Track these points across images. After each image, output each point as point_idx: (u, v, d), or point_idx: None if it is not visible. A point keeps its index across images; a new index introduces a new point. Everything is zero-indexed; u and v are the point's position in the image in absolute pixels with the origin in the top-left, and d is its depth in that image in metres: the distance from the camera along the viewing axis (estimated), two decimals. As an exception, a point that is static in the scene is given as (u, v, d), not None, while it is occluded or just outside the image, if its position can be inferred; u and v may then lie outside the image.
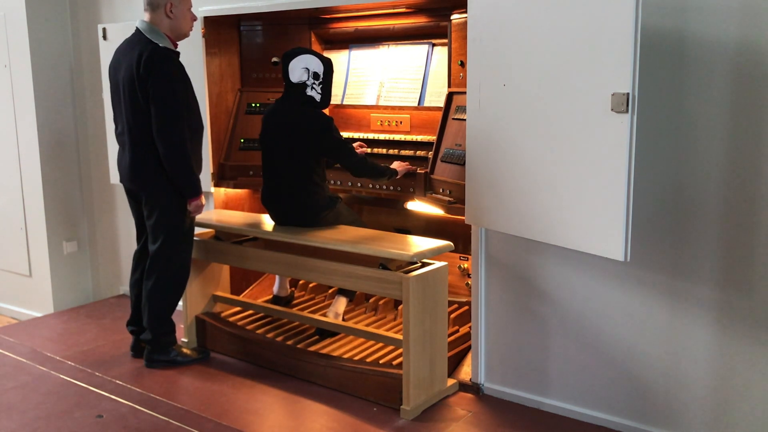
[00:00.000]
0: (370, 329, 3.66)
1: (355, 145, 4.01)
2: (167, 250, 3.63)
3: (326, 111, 3.88)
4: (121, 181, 3.71)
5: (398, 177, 3.76)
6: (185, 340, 4.06)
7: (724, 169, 2.71)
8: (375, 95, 4.18)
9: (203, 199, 3.64)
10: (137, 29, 3.51)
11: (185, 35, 3.59)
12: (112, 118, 3.70)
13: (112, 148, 4.68)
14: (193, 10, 3.61)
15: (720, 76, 2.67)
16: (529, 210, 2.94)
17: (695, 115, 2.74)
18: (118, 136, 3.64)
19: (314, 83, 3.59)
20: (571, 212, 2.76)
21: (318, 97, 3.61)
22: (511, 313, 3.32)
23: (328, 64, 3.62)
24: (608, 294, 3.03)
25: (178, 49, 3.54)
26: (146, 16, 3.50)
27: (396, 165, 3.79)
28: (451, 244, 3.42)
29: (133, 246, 5.24)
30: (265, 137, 3.71)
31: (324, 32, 4.35)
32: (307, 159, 3.60)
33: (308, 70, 3.57)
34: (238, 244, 3.90)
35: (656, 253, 2.89)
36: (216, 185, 4.36)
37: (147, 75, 3.36)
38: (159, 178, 3.52)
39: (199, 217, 4.01)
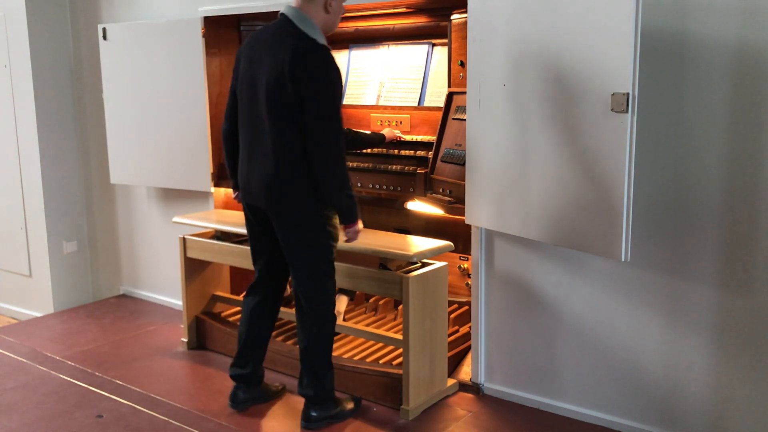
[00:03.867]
0: (370, 329, 3.66)
1: None
2: (319, 294, 3.06)
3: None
4: (246, 198, 3.08)
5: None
6: (185, 339, 4.06)
7: (724, 169, 2.71)
8: (375, 95, 4.18)
9: (360, 224, 3.01)
10: (285, 17, 2.88)
11: (332, 31, 3.02)
12: (226, 117, 3.12)
13: (113, 147, 4.69)
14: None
15: (720, 76, 2.67)
16: (529, 210, 2.94)
17: (695, 115, 2.74)
18: (248, 143, 3.00)
19: None
20: (571, 212, 2.76)
21: None
22: (511, 313, 3.32)
23: None
24: (608, 294, 3.03)
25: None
26: (296, 2, 2.89)
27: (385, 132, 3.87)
28: (451, 244, 3.42)
29: (134, 246, 5.22)
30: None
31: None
32: None
33: None
34: (238, 244, 3.90)
35: (656, 254, 2.89)
36: (216, 185, 4.36)
37: (304, 76, 2.76)
38: (305, 195, 2.91)
39: (199, 217, 4.01)
